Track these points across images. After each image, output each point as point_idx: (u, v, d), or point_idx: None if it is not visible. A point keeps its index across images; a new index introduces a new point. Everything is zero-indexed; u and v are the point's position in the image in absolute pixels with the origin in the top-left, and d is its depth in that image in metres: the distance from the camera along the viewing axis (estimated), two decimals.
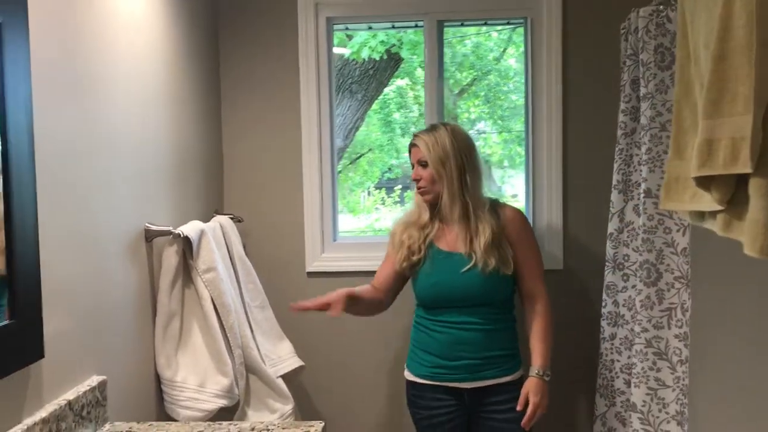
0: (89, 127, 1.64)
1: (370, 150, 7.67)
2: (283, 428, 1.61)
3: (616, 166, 2.31)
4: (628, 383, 2.29)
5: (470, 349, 2.12)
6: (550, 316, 2.21)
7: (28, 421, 1.35)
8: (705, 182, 1.74)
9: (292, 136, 2.61)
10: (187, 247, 2.02)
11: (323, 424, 1.64)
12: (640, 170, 2.23)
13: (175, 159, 2.19)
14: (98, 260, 1.67)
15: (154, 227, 1.95)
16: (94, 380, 1.61)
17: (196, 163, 2.37)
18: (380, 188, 8.23)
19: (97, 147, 1.68)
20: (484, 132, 6.17)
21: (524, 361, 2.23)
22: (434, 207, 2.20)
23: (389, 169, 7.82)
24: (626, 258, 2.31)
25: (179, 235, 1.97)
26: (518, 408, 2.09)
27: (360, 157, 7.70)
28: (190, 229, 2.01)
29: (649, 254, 2.19)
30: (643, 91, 2.20)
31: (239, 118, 2.63)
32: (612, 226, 2.33)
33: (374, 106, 6.66)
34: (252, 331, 2.30)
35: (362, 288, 2.18)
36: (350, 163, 7.54)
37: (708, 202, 1.72)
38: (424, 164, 2.15)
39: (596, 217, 2.47)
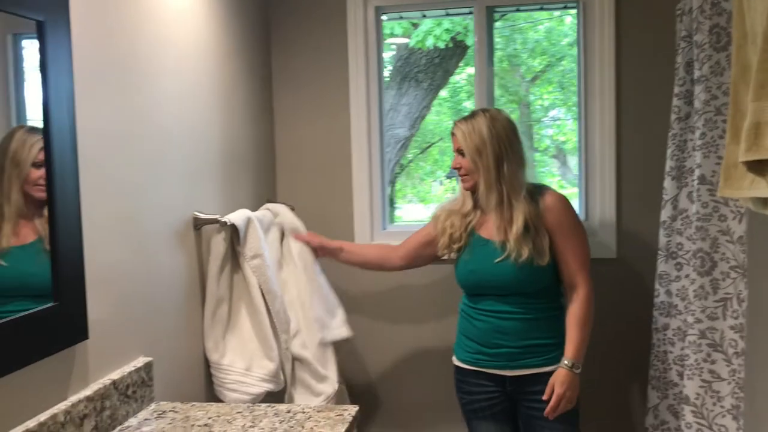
0: (137, 118, 1.72)
1: (441, 139, 7.65)
2: (318, 411, 1.65)
3: (669, 151, 2.24)
4: (681, 375, 2.22)
5: (508, 338, 2.10)
6: (589, 308, 2.13)
7: (73, 398, 1.44)
8: (758, 167, 1.67)
9: (343, 126, 2.65)
10: (235, 235, 2.09)
11: (357, 408, 1.67)
12: (694, 156, 2.15)
13: (226, 149, 2.26)
14: (145, 247, 1.75)
15: (202, 216, 2.02)
16: (140, 361, 1.69)
17: (247, 153, 2.44)
18: (451, 177, 8.21)
19: (145, 138, 1.76)
20: (558, 119, 6.06)
21: None
22: (475, 194, 2.20)
23: None
24: (680, 246, 2.24)
25: (226, 223, 2.03)
26: (544, 397, 2.06)
27: (430, 146, 7.69)
28: (237, 217, 2.08)
29: (703, 243, 2.11)
30: (697, 73, 2.12)
31: (291, 108, 2.69)
32: (665, 214, 2.26)
33: (445, 94, 6.64)
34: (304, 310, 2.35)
35: (354, 246, 2.41)
36: (420, 153, 7.55)
37: (765, 188, 1.65)
38: (462, 152, 2.14)
39: (650, 205, 2.40)
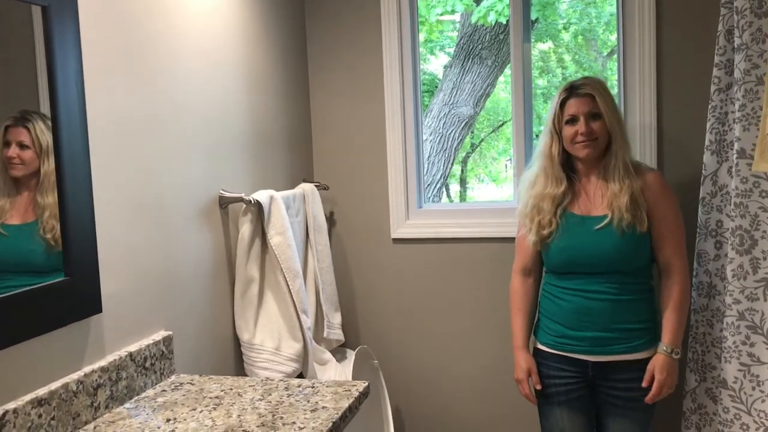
0: (156, 99, 1.77)
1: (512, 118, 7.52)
2: (327, 386, 1.68)
3: (709, 125, 2.14)
4: (719, 358, 2.13)
5: (596, 320, 2.02)
6: (686, 292, 2.03)
7: (87, 369, 1.51)
8: None
9: (377, 106, 2.65)
10: (262, 215, 2.13)
11: (367, 383, 1.69)
12: (734, 129, 2.05)
13: (257, 129, 2.30)
14: (168, 225, 1.82)
15: (227, 194, 2.07)
16: (160, 335, 1.76)
17: (280, 132, 2.48)
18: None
19: (166, 118, 1.81)
20: None
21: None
22: (569, 168, 2.11)
23: (535, 136, 7.64)
24: (719, 224, 2.14)
25: (251, 201, 2.08)
26: (644, 384, 1.99)
27: (502, 124, 7.58)
28: (262, 195, 2.12)
29: (743, 220, 2.02)
30: (737, 41, 2.02)
31: (327, 88, 2.71)
32: (704, 190, 2.16)
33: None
34: (318, 294, 2.42)
35: (523, 319, 2.20)
36: (492, 132, 7.45)
37: None
38: (596, 115, 2.02)
39: (689, 181, 2.30)
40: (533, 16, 5.26)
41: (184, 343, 1.88)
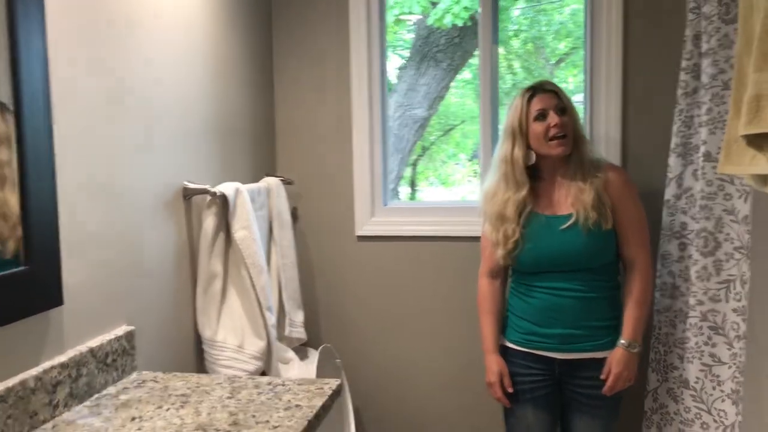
0: (123, 84, 1.70)
1: (463, 121, 7.57)
2: (299, 384, 1.63)
3: (675, 128, 2.17)
4: (681, 358, 2.16)
5: (565, 317, 2.02)
6: (648, 286, 2.07)
7: (46, 365, 1.43)
8: (758, 142, 1.62)
9: (344, 101, 2.60)
10: (227, 207, 2.06)
11: (339, 381, 1.65)
12: (700, 132, 2.08)
13: (223, 120, 2.24)
14: (129, 214, 1.74)
15: (191, 185, 2.00)
16: (122, 330, 1.68)
17: (245, 124, 2.42)
18: (473, 159, 8.14)
19: (132, 105, 1.73)
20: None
21: None
22: (529, 170, 2.09)
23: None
24: (683, 226, 2.17)
25: (215, 193, 2.01)
26: (602, 376, 2.01)
27: (452, 128, 7.62)
28: (227, 187, 2.05)
29: (707, 222, 2.05)
30: (705, 46, 2.05)
31: (292, 81, 2.65)
32: (669, 192, 2.19)
33: (467, 76, 6.55)
34: (281, 291, 2.37)
35: (492, 321, 2.18)
36: (443, 135, 7.48)
37: (765, 164, 1.59)
38: (561, 110, 2.04)
39: (654, 183, 2.33)
40: None
41: (145, 338, 1.80)
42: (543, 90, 2.06)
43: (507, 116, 2.11)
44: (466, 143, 8.08)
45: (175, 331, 1.96)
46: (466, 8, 5.14)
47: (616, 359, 2.00)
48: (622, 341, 2.01)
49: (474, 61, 6.50)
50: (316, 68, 2.62)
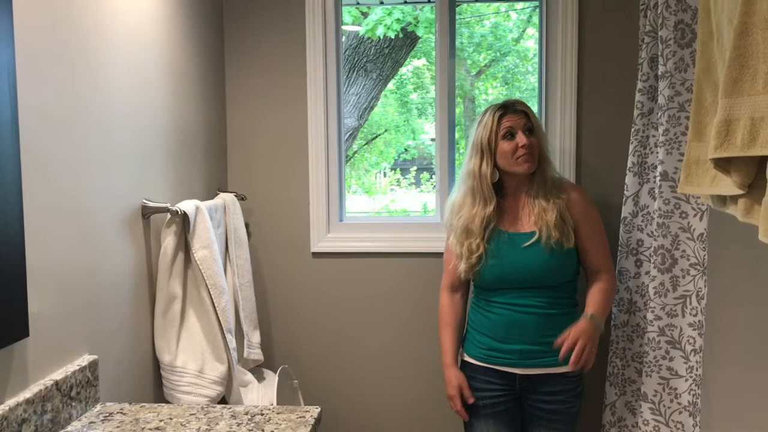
0: (84, 99, 1.59)
1: (386, 131, 7.60)
2: (278, 413, 1.56)
3: (631, 147, 2.23)
4: (639, 372, 2.22)
5: (526, 333, 2.04)
6: (613, 287, 2.12)
7: (11, 402, 1.31)
8: (724, 164, 1.66)
9: (299, 114, 2.54)
10: (187, 226, 1.97)
11: (319, 409, 1.59)
12: (657, 152, 2.15)
13: (176, 135, 2.14)
14: (90, 237, 1.63)
15: (151, 203, 1.90)
16: (84, 360, 1.57)
17: (198, 139, 2.32)
18: (395, 169, 8.18)
19: (91, 120, 1.62)
20: None
21: None
22: (496, 188, 2.11)
23: (405, 150, 7.76)
24: (640, 243, 2.23)
25: (176, 212, 1.91)
26: (557, 341, 1.97)
27: (376, 137, 7.63)
28: (187, 205, 1.96)
29: (664, 239, 2.11)
30: (661, 69, 2.11)
31: (244, 94, 2.57)
32: (626, 210, 2.25)
33: (391, 86, 6.58)
34: (238, 312, 2.29)
35: (452, 335, 2.18)
36: (366, 144, 7.48)
37: (728, 185, 1.64)
38: (529, 130, 2.08)
39: (610, 201, 2.39)
40: (419, 33, 5.35)
41: (107, 367, 1.69)
42: (514, 110, 2.09)
43: (475, 132, 2.12)
44: (388, 152, 8.11)
45: (134, 358, 1.85)
46: (398, 20, 5.16)
47: (579, 329, 1.98)
48: (588, 315, 2.02)
49: (403, 70, 6.54)
50: (269, 79, 2.55)
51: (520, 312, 2.05)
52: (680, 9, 2.06)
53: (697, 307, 2.08)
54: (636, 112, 2.22)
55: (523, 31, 6.79)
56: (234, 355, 2.05)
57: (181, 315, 1.97)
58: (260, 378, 2.36)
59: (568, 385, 2.07)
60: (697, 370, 2.08)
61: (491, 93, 7.03)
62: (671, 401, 2.13)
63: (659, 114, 2.12)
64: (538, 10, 2.57)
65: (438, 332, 2.21)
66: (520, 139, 2.04)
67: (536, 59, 6.30)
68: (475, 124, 2.14)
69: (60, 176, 1.49)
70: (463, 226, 2.10)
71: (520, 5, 5.48)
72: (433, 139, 7.53)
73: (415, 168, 8.13)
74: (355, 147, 7.02)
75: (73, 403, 1.50)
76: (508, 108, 2.10)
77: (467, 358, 2.16)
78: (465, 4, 2.45)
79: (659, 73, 2.13)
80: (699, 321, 2.08)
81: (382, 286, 2.57)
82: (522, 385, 2.08)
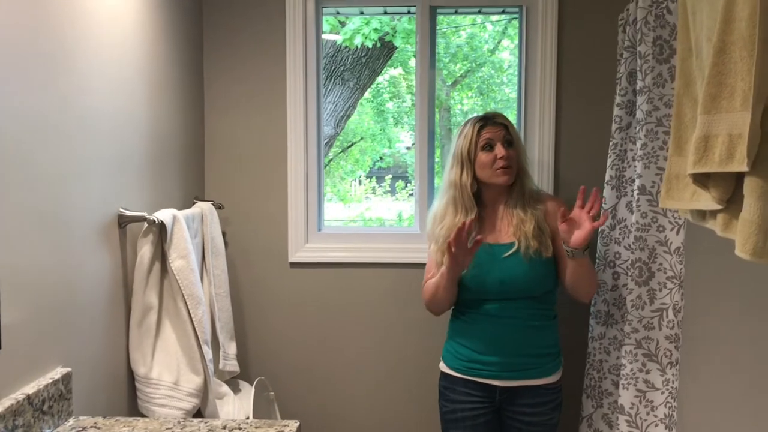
0: (61, 106, 1.56)
1: (362, 139, 7.60)
2: (256, 427, 1.54)
3: (609, 161, 2.25)
4: (616, 384, 2.23)
5: (507, 345, 2.05)
6: (595, 272, 2.16)
7: None
8: (703, 180, 1.67)
9: (278, 122, 2.52)
10: (164, 235, 1.94)
11: (298, 423, 1.57)
12: (635, 166, 2.16)
13: (154, 143, 2.11)
14: (65, 246, 1.59)
15: (128, 213, 1.87)
16: (57, 372, 1.53)
17: (175, 148, 2.29)
18: (371, 177, 8.18)
19: (68, 127, 1.59)
20: None
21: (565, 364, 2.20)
22: (475, 198, 2.12)
23: (381, 158, 7.77)
24: (617, 256, 2.24)
25: (154, 221, 1.88)
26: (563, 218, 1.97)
27: (351, 145, 7.63)
28: (164, 215, 1.93)
29: (642, 252, 2.13)
30: (639, 84, 2.13)
31: (222, 102, 2.54)
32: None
33: (367, 95, 6.58)
34: (214, 323, 2.26)
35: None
36: (341, 152, 7.48)
37: (707, 200, 1.66)
38: (508, 143, 2.10)
39: None
40: (397, 43, 5.36)
41: (81, 380, 1.65)
42: (493, 122, 2.11)
43: (456, 143, 2.14)
44: (364, 160, 8.10)
45: (108, 370, 1.82)
46: (375, 30, 5.17)
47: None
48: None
49: (379, 79, 6.54)
50: (248, 87, 2.53)
51: (500, 323, 2.06)
52: (659, 25, 2.08)
53: (673, 320, 2.10)
54: (614, 126, 2.23)
55: (499, 42, 6.84)
56: (210, 366, 2.02)
57: (156, 326, 1.94)
58: (236, 390, 2.33)
59: (548, 398, 2.09)
60: (673, 383, 2.10)
61: (467, 103, 7.07)
62: (648, 414, 2.14)
63: (637, 128, 2.14)
64: (513, 21, 2.58)
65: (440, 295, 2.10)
66: (499, 150, 2.07)
67: (511, 70, 6.34)
68: (455, 135, 2.16)
69: (34, 184, 1.46)
70: (446, 236, 2.10)
71: (495, 17, 5.52)
72: (408, 148, 7.55)
73: (390, 176, 8.14)
74: (330, 155, 7.02)
75: (46, 418, 1.47)
76: (488, 120, 2.12)
77: (447, 370, 2.15)
78: (442, 15, 2.45)
79: (638, 88, 2.15)
80: (676, 334, 2.10)
81: (360, 296, 2.56)
82: (502, 397, 2.09)
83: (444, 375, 2.16)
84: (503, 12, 2.79)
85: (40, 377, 1.49)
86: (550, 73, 2.45)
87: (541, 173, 2.48)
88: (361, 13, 2.92)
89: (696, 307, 2.20)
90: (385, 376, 2.58)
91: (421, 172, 2.57)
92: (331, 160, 7.06)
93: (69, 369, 1.58)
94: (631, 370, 2.15)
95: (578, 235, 1.97)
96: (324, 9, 2.59)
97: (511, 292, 2.06)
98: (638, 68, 2.14)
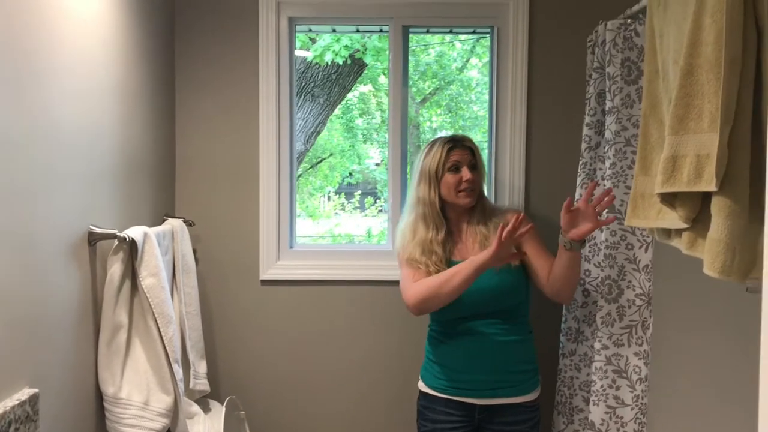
0: (29, 121, 1.53)
1: (331, 155, 7.60)
2: None
3: (579, 179, 2.28)
4: (586, 401, 2.25)
5: (485, 362, 2.07)
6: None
7: None
8: (670, 199, 1.71)
9: (250, 139, 2.52)
10: (134, 253, 1.92)
11: None
12: (604, 185, 2.20)
13: (124, 159, 2.08)
14: (33, 264, 1.56)
15: (98, 230, 1.84)
16: (24, 394, 1.50)
17: (146, 163, 2.27)
18: (340, 193, 8.18)
19: (35, 142, 1.56)
20: None
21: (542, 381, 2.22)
22: (444, 217, 2.18)
23: (350, 174, 7.78)
24: (587, 273, 2.27)
25: (124, 239, 1.86)
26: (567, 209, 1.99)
27: (321, 161, 7.63)
28: (135, 232, 1.91)
29: (611, 270, 2.16)
30: (608, 105, 2.17)
31: (193, 118, 2.53)
32: None
33: (337, 111, 6.60)
34: (184, 341, 2.23)
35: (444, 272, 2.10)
36: (311, 167, 7.47)
37: (673, 219, 1.69)
38: (473, 166, 2.16)
39: (558, 231, 2.43)
40: (367, 60, 5.39)
41: (48, 401, 1.61)
42: (462, 145, 2.17)
43: (423, 161, 2.18)
44: (333, 176, 8.11)
45: (77, 390, 1.78)
46: (346, 47, 5.20)
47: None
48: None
49: (349, 96, 6.56)
50: (220, 102, 2.52)
51: (477, 340, 2.08)
52: (627, 47, 2.13)
53: (642, 337, 2.13)
54: (583, 146, 2.27)
55: (467, 60, 6.93)
56: (181, 386, 1.99)
57: (126, 345, 1.91)
58: (206, 409, 2.30)
59: (527, 416, 2.11)
60: (642, 399, 2.12)
61: (435, 120, 7.13)
62: (618, 430, 2.16)
63: (606, 148, 2.18)
64: (481, 40, 2.62)
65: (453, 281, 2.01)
66: (465, 173, 2.13)
67: (479, 88, 6.40)
68: (422, 153, 2.20)
69: (0, 201, 1.43)
70: (422, 247, 2.13)
71: (464, 36, 5.59)
72: (377, 164, 7.57)
73: (359, 192, 8.16)
74: (299, 171, 7.01)
75: None
76: (457, 143, 2.17)
77: (426, 389, 2.16)
78: (411, 34, 2.47)
79: (606, 108, 2.19)
80: (645, 350, 2.13)
81: (332, 314, 2.55)
82: (481, 415, 2.10)
83: (423, 394, 2.17)
84: (474, 32, 2.83)
85: (6, 399, 1.45)
86: (521, 92, 2.48)
87: (511, 192, 2.50)
88: (334, 30, 2.93)
89: (664, 323, 2.24)
90: (359, 395, 2.56)
91: (394, 189, 2.58)
92: (300, 175, 7.05)
93: (36, 390, 1.54)
94: (602, 386, 2.17)
95: (582, 230, 1.99)
96: (297, 26, 2.59)
97: (486, 306, 2.08)
98: (607, 89, 2.18)
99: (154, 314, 1.93)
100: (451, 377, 2.10)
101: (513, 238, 1.94)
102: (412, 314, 2.10)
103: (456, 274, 2.00)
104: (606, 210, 2.07)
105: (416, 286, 2.06)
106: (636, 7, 2.08)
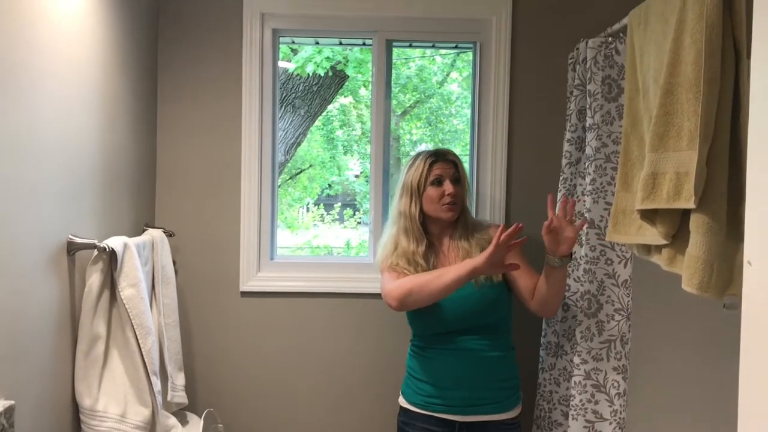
0: (8, 129, 1.51)
1: (310, 166, 7.59)
2: None
3: (560, 195, 2.30)
4: (566, 415, 2.26)
5: (467, 378, 2.06)
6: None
7: None
8: (650, 215, 1.73)
9: (231, 149, 2.51)
10: (114, 263, 1.90)
11: None
12: (584, 200, 2.22)
13: (105, 169, 2.07)
14: (10, 273, 1.54)
15: (77, 240, 1.82)
16: (0, 406, 1.47)
17: (126, 173, 2.25)
18: (319, 205, 8.17)
19: (15, 151, 1.55)
20: None
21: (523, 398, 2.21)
22: (427, 232, 2.19)
23: (329, 185, 7.77)
24: (567, 288, 2.29)
25: (104, 249, 1.84)
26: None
27: (300, 172, 7.62)
28: (115, 242, 1.89)
29: (591, 285, 2.17)
30: (589, 121, 2.20)
31: (175, 128, 2.52)
32: None
33: (317, 123, 6.60)
34: (163, 353, 2.21)
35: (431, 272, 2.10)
36: (290, 178, 7.46)
37: (653, 235, 1.71)
38: (456, 180, 2.16)
39: (539, 246, 2.44)
40: (349, 72, 5.41)
41: (24, 413, 1.59)
42: (444, 158, 2.18)
43: (406, 174, 2.19)
44: (313, 188, 8.09)
45: (53, 402, 1.76)
46: (328, 58, 5.21)
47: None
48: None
49: (329, 107, 6.57)
50: (203, 113, 2.51)
51: (459, 356, 2.07)
52: (607, 65, 2.16)
53: (621, 351, 2.14)
54: (564, 161, 2.29)
55: (447, 74, 6.97)
56: (159, 398, 1.97)
57: (104, 356, 1.89)
58: (184, 422, 2.28)
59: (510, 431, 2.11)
60: (621, 413, 2.14)
61: (416, 133, 7.17)
62: None
63: (586, 164, 2.20)
64: (462, 55, 2.64)
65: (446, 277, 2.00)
66: (447, 187, 2.13)
67: (459, 102, 6.43)
68: (404, 166, 2.21)
69: None
70: (405, 258, 2.13)
71: (444, 51, 5.63)
72: (357, 176, 7.58)
73: (339, 204, 8.15)
74: (279, 181, 7.00)
75: None
76: (440, 156, 2.18)
77: (407, 405, 2.15)
78: (394, 47, 2.50)
79: (587, 125, 2.21)
80: (623, 365, 2.14)
81: (313, 327, 2.54)
82: None
83: (404, 410, 2.16)
84: (456, 47, 2.85)
85: None
86: (503, 107, 2.50)
87: (493, 207, 2.52)
88: (317, 42, 2.94)
89: (643, 338, 2.26)
90: (338, 409, 2.55)
91: (376, 202, 2.58)
92: (279, 186, 7.03)
93: (12, 402, 1.51)
94: (581, 400, 2.18)
95: (567, 242, 1.99)
96: (281, 38, 2.60)
97: (468, 321, 2.07)
98: (588, 106, 2.21)
99: (132, 325, 1.91)
100: (432, 393, 2.09)
101: (508, 245, 1.92)
102: (391, 308, 2.04)
103: (447, 273, 1.99)
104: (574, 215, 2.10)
105: (402, 280, 2.04)
106: (617, 26, 2.11)
